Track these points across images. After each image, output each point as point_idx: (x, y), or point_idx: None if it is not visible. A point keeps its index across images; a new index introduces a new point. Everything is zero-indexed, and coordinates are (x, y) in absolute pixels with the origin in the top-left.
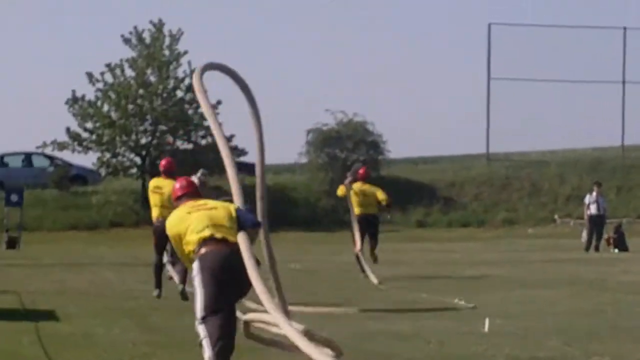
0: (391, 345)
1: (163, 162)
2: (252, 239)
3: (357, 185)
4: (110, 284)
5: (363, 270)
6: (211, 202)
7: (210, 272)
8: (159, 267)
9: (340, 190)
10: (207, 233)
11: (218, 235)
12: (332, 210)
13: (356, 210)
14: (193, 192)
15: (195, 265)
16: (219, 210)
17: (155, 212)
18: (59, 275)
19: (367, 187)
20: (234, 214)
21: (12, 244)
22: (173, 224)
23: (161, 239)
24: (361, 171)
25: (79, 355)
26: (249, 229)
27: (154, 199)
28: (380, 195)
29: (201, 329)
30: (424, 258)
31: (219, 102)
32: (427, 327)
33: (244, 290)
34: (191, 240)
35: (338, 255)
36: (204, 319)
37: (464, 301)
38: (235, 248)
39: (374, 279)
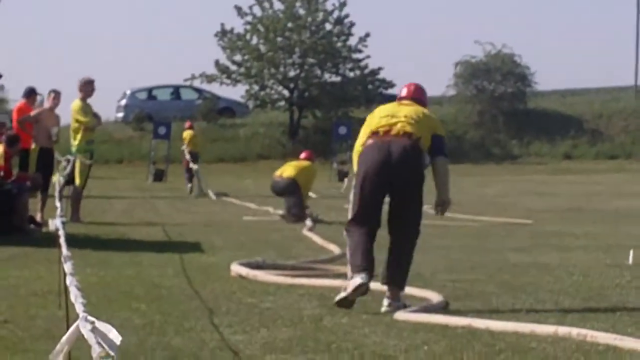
0: (535, 277)
1: (304, 155)
2: None
3: None
4: (255, 217)
5: None
6: None
7: None
8: None
9: None
10: None
11: None
12: (480, 143)
13: None
14: None
15: None
16: None
17: None
18: (205, 208)
19: None
20: None
21: (158, 176)
22: None
23: None
24: None
25: (223, 287)
26: None
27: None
28: None
29: None
30: (570, 190)
31: (367, 35)
32: (572, 259)
33: None
34: None
35: (484, 187)
36: None
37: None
38: None
39: None
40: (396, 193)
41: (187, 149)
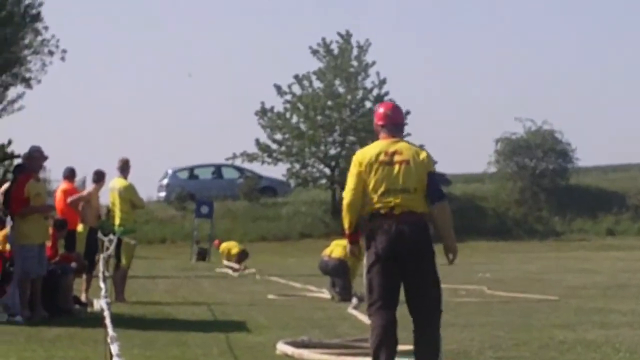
0: (581, 354)
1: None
2: None
3: None
4: (299, 295)
5: None
6: None
7: None
8: None
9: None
10: None
11: None
12: (522, 220)
13: None
14: None
15: None
16: None
17: None
18: (249, 287)
19: None
20: None
21: (202, 255)
22: None
23: None
24: None
25: None
26: None
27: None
28: None
29: None
30: (614, 266)
31: (407, 113)
32: (619, 336)
33: None
34: None
35: (527, 264)
36: None
37: None
38: None
39: None
40: (410, 273)
41: (232, 259)
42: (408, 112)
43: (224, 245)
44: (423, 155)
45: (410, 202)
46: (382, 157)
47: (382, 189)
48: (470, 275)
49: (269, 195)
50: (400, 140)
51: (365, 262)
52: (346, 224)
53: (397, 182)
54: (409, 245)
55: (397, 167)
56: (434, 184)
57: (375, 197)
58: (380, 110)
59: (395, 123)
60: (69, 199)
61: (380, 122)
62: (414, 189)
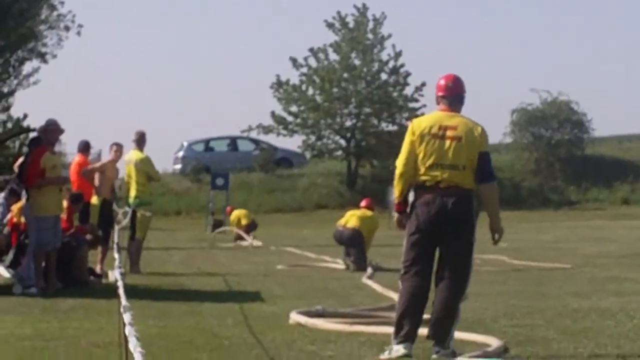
0: (596, 321)
1: (365, 203)
2: None
3: None
4: (314, 265)
5: None
6: None
7: None
8: None
9: None
10: None
11: None
12: (538, 190)
13: None
14: None
15: None
16: None
17: None
18: (264, 257)
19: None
20: None
21: (217, 227)
22: None
23: None
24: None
25: (283, 336)
26: None
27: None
28: None
29: None
30: (629, 235)
31: (423, 84)
32: (633, 303)
33: None
34: None
35: (542, 233)
36: None
37: None
38: None
39: None
40: (447, 245)
41: (242, 228)
42: (424, 84)
43: (235, 214)
44: (477, 132)
45: (457, 178)
46: (434, 130)
47: (430, 162)
48: (485, 245)
49: (285, 167)
50: (458, 114)
51: (406, 230)
52: (396, 193)
53: (447, 157)
54: (451, 218)
55: (448, 142)
56: (484, 164)
57: (422, 169)
58: (442, 82)
59: (455, 95)
60: (83, 170)
61: (440, 93)
62: (462, 166)
